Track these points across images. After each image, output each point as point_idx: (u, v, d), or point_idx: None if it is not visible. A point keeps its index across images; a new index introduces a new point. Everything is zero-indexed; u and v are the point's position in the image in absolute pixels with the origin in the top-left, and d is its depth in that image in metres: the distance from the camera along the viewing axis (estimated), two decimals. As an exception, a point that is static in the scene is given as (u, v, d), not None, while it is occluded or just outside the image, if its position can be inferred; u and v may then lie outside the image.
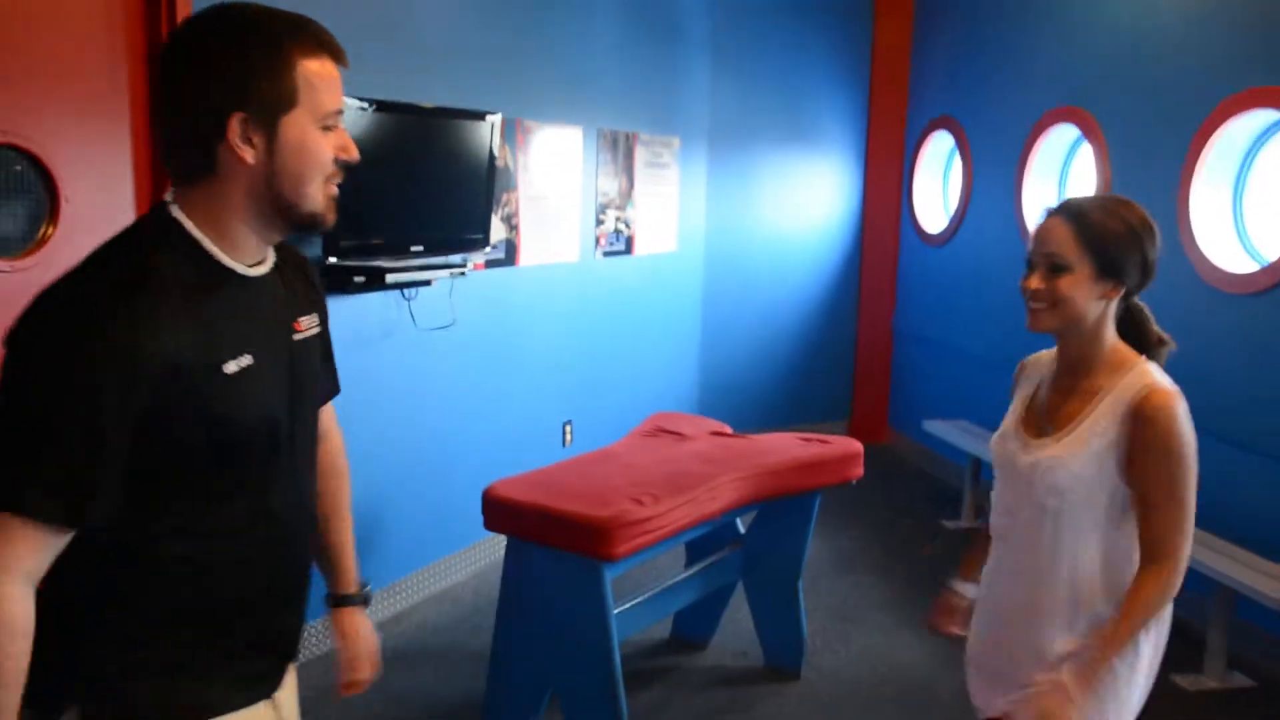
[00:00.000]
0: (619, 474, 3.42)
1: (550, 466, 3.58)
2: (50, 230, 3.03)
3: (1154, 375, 2.00)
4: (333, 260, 3.76)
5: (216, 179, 1.43)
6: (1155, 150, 4.78)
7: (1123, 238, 1.98)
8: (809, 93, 7.14)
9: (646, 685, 3.94)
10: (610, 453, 3.75)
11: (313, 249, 3.83)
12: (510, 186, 4.93)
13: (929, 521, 5.88)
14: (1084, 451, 1.99)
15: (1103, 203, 2.03)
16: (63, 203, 3.04)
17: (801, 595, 4.03)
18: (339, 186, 1.52)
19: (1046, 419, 2.09)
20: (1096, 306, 2.00)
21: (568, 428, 5.57)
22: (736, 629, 4.36)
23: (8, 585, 1.32)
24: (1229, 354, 4.26)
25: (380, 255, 3.98)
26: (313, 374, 1.67)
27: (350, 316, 4.09)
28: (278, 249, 1.61)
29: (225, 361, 1.44)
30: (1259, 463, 4.15)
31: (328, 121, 1.47)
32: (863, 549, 5.43)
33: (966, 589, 2.33)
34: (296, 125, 1.43)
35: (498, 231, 4.83)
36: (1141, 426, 1.94)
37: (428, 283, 4.28)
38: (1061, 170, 5.85)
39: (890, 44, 7.24)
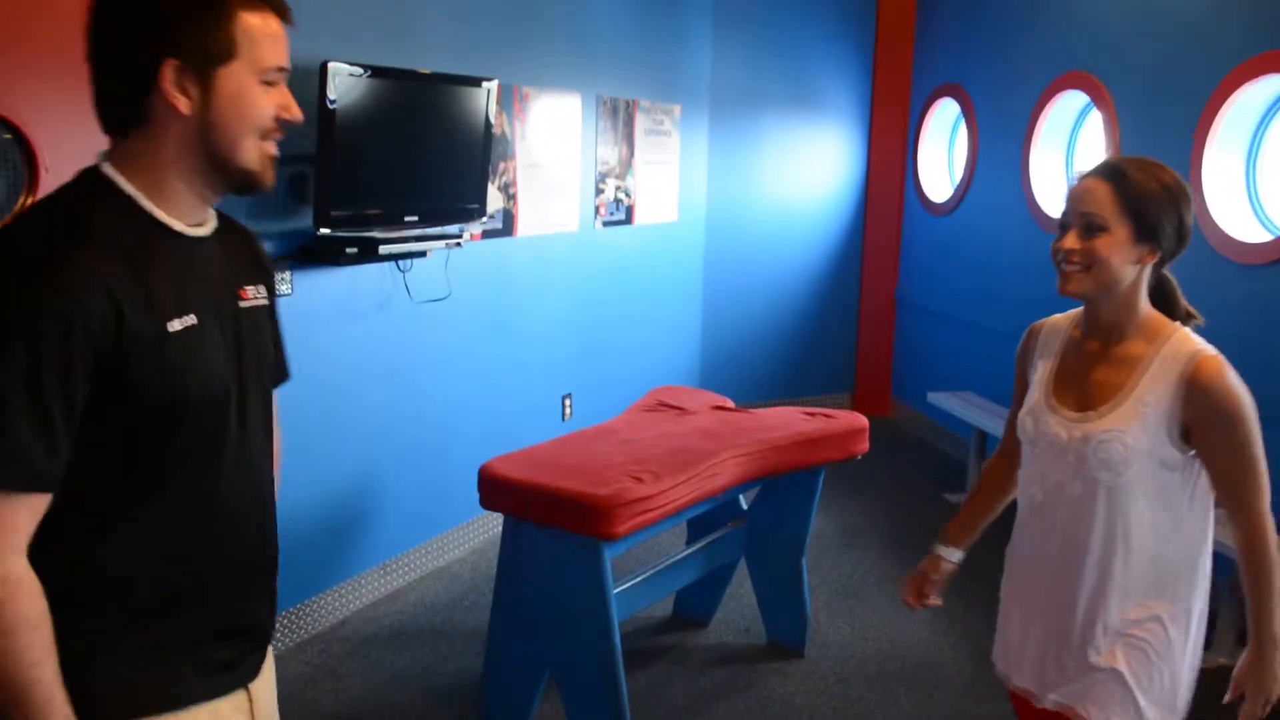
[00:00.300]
0: (618, 451, 3.34)
1: (548, 443, 3.50)
2: (29, 201, 2.93)
3: (1196, 342, 1.94)
4: (324, 231, 3.66)
5: (150, 129, 1.39)
6: (1166, 117, 4.67)
7: (1161, 200, 1.92)
8: (812, 59, 7.01)
9: (647, 664, 3.87)
10: (609, 428, 3.66)
11: (303, 220, 3.74)
12: (508, 155, 4.82)
13: (933, 495, 5.81)
14: (1137, 423, 1.93)
15: (1142, 164, 1.96)
16: (42, 173, 2.94)
17: (805, 572, 3.96)
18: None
19: (1084, 390, 2.02)
20: (1131, 271, 1.94)
21: (567, 401, 5.49)
22: (739, 606, 4.30)
23: (9, 563, 1.29)
24: (1243, 324, 4.17)
25: (373, 226, 3.88)
26: (263, 347, 1.60)
27: (343, 289, 4.00)
28: (222, 221, 1.55)
29: (169, 320, 1.38)
30: (1269, 433, 4.06)
31: (268, 77, 1.43)
32: (867, 524, 5.36)
33: (953, 554, 2.42)
34: (234, 78, 1.39)
35: (495, 201, 4.73)
36: (1200, 395, 1.89)
37: (423, 254, 4.18)
38: (1069, 138, 5.74)
39: (895, 8, 7.11)
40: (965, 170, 6.50)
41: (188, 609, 1.47)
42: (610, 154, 5.65)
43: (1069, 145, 5.74)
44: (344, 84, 3.61)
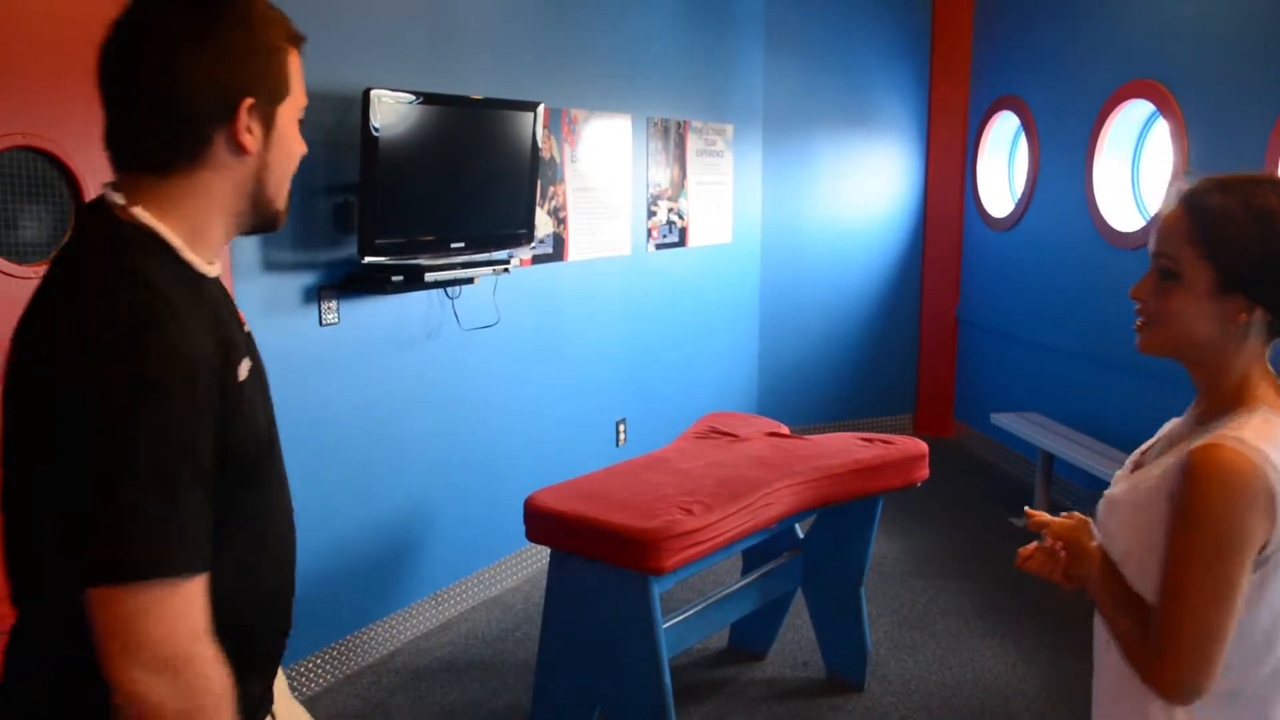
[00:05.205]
0: (668, 481, 3.25)
1: (596, 473, 3.42)
2: (74, 235, 2.93)
3: (1251, 426, 1.47)
4: (370, 259, 3.63)
5: (200, 170, 1.31)
6: (1237, 125, 4.49)
7: (1253, 236, 1.46)
8: (866, 74, 6.90)
9: (702, 698, 3.77)
10: (660, 457, 3.58)
11: (348, 248, 3.71)
12: (557, 179, 4.77)
13: (998, 519, 5.63)
14: (1132, 495, 1.58)
15: (1238, 185, 1.50)
16: (87, 206, 2.94)
17: (864, 602, 3.83)
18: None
19: (1154, 453, 1.67)
20: (1219, 330, 1.51)
21: (621, 427, 5.42)
22: (797, 638, 4.18)
23: (204, 647, 1.21)
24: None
25: (420, 253, 3.84)
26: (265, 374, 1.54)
27: (391, 317, 3.96)
28: None
29: (237, 366, 1.31)
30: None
31: (301, 115, 1.40)
32: (929, 551, 5.20)
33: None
34: (285, 116, 1.36)
35: (544, 225, 4.68)
36: (1183, 481, 1.47)
37: (470, 280, 4.14)
38: (1134, 149, 5.56)
39: (951, 21, 6.97)
40: (1026, 184, 6.34)
41: (240, 650, 1.38)
42: (662, 176, 5.58)
43: (1134, 156, 5.56)
44: (388, 110, 3.58)
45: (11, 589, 1.33)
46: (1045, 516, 1.67)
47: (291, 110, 1.37)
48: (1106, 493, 1.68)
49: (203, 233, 1.34)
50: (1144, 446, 1.75)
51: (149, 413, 1.16)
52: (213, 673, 1.22)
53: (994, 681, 3.88)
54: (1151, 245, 1.58)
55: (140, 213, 1.29)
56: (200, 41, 1.27)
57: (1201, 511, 1.44)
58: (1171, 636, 1.46)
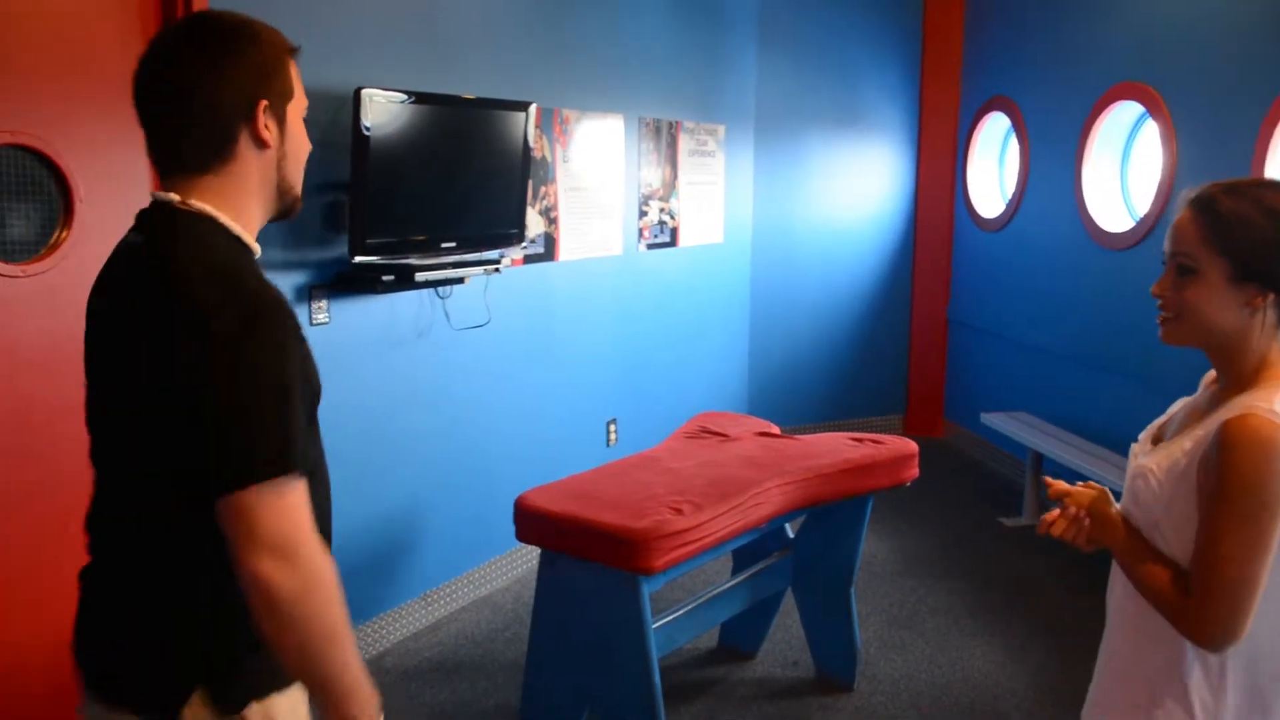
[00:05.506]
0: (658, 481, 3.26)
1: (586, 473, 3.42)
2: (64, 234, 2.93)
3: (1275, 398, 1.62)
4: (359, 259, 3.63)
5: (233, 164, 1.56)
6: (1226, 127, 4.51)
7: (1264, 229, 1.63)
8: (858, 75, 6.91)
9: (691, 698, 3.77)
10: (650, 457, 3.58)
11: (339, 248, 3.71)
12: (549, 179, 4.77)
13: (988, 519, 5.65)
14: (1169, 465, 1.70)
15: (1245, 188, 1.68)
16: (77, 204, 2.94)
17: (854, 601, 3.84)
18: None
19: (1173, 427, 1.80)
20: (1237, 317, 1.66)
21: (612, 426, 5.42)
22: (787, 638, 4.18)
23: (315, 541, 1.44)
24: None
25: (410, 253, 3.84)
26: None
27: (381, 317, 3.96)
28: None
29: (303, 334, 1.54)
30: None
31: (304, 114, 1.66)
32: (919, 550, 5.21)
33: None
34: (294, 113, 1.63)
35: (536, 225, 4.68)
36: (1217, 452, 1.61)
37: (461, 280, 4.14)
38: (1124, 150, 5.58)
39: (941, 22, 6.99)
40: (1017, 185, 6.35)
41: None
42: (654, 176, 5.58)
43: (1123, 158, 5.58)
44: (380, 110, 3.58)
45: (102, 525, 1.59)
46: (1065, 485, 1.81)
47: (298, 109, 1.63)
48: (1137, 462, 1.79)
49: (242, 217, 1.58)
50: (1159, 421, 1.87)
51: (274, 349, 1.42)
52: (321, 560, 1.45)
53: (983, 680, 3.90)
54: (1167, 247, 1.73)
55: (196, 203, 1.54)
56: (220, 62, 1.53)
57: (1237, 474, 1.58)
58: (1207, 586, 1.60)
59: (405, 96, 3.68)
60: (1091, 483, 1.83)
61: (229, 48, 1.54)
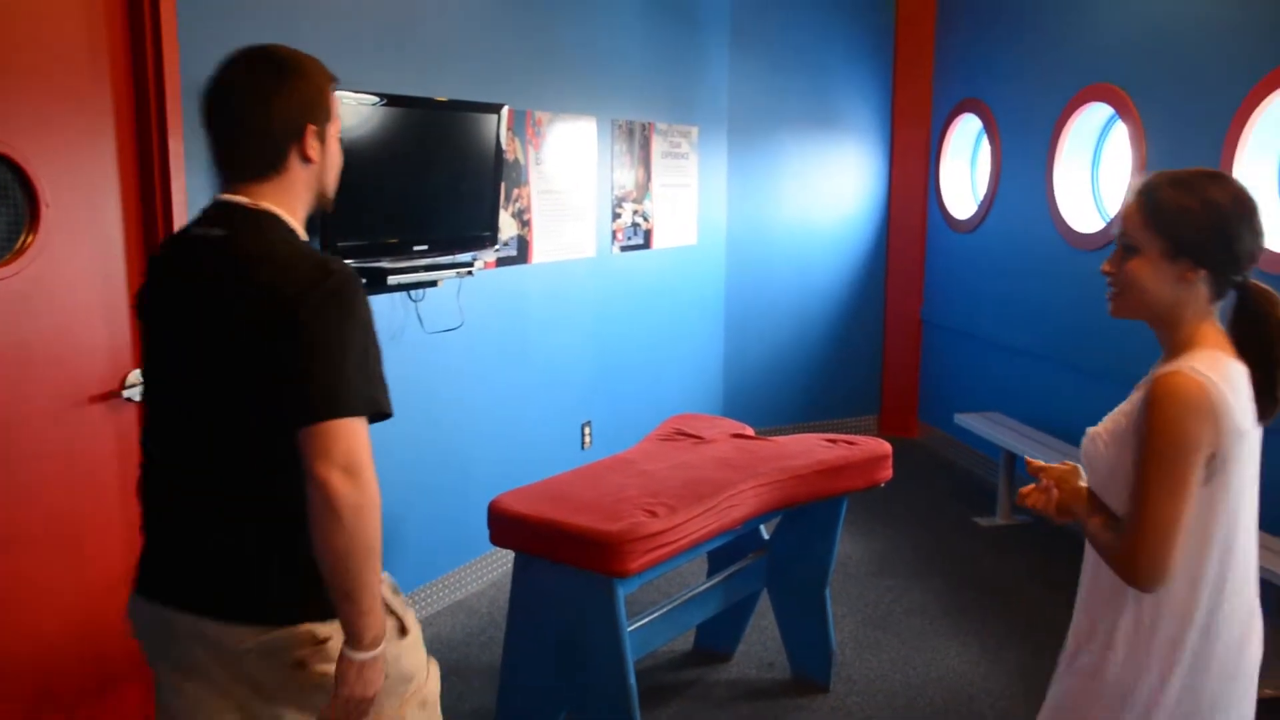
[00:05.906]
0: (633, 483, 3.25)
1: (561, 475, 3.41)
2: (30, 239, 2.88)
3: (1202, 359, 1.81)
4: (332, 263, 3.60)
5: (284, 174, 1.88)
6: (1194, 128, 4.55)
7: (1194, 213, 1.83)
8: (830, 77, 6.93)
9: (667, 700, 3.77)
10: (625, 459, 3.57)
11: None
12: (522, 181, 4.76)
13: (962, 519, 5.67)
14: (1112, 426, 1.90)
15: (1185, 178, 1.88)
16: (43, 209, 2.89)
17: (829, 602, 3.85)
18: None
19: None
20: (1173, 290, 1.87)
21: (587, 429, 5.41)
22: (762, 639, 4.19)
23: (371, 466, 1.74)
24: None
25: (382, 256, 3.82)
26: None
27: (353, 320, 3.93)
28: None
29: None
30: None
31: (340, 133, 1.98)
32: (893, 550, 5.23)
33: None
34: (332, 133, 1.95)
35: (509, 228, 4.66)
36: (1147, 405, 1.79)
37: (434, 283, 4.12)
38: (1094, 151, 5.62)
39: (913, 24, 7.02)
40: (989, 186, 6.39)
41: None
42: (627, 178, 5.58)
43: (1094, 158, 5.63)
44: (351, 112, 3.55)
45: (186, 477, 1.87)
46: (1042, 463, 2.04)
47: (335, 129, 1.94)
48: (1089, 429, 1.96)
49: (293, 216, 1.91)
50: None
51: (365, 310, 1.77)
52: (374, 483, 1.75)
53: (958, 680, 3.91)
54: (1114, 230, 1.96)
55: (264, 204, 1.86)
56: (278, 90, 1.85)
57: (1161, 424, 1.77)
58: (1136, 530, 1.79)
59: (376, 99, 3.66)
60: (1067, 461, 2.06)
61: (283, 80, 1.86)
